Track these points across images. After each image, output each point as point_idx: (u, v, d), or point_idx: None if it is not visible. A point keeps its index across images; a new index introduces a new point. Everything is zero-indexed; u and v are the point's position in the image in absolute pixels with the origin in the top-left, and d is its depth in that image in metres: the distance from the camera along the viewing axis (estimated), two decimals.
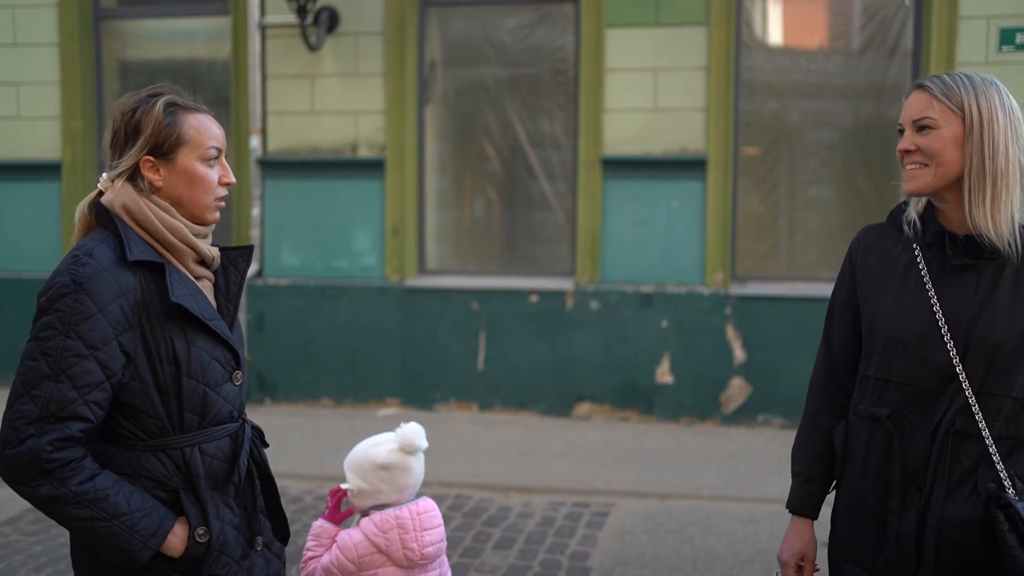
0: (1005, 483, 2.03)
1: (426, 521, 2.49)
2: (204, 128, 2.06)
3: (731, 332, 7.01)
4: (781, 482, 5.77)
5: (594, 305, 7.15)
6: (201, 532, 1.99)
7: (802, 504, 2.32)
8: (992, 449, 2.04)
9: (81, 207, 2.08)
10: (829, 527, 2.32)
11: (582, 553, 4.84)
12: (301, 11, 7.02)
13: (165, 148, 2.02)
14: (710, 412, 7.07)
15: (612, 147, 7.11)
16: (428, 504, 2.54)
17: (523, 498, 5.64)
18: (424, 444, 2.52)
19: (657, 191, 7.09)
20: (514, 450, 6.48)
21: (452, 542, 4.96)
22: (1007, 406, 2.05)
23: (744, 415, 7.03)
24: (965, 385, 2.06)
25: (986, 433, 2.04)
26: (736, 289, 7.07)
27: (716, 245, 7.03)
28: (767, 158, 7.30)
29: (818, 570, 2.34)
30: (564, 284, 7.27)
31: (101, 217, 2.03)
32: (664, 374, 7.10)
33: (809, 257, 7.32)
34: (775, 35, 7.50)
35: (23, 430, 1.86)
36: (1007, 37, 6.43)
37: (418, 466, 2.53)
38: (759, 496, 5.57)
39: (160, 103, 2.03)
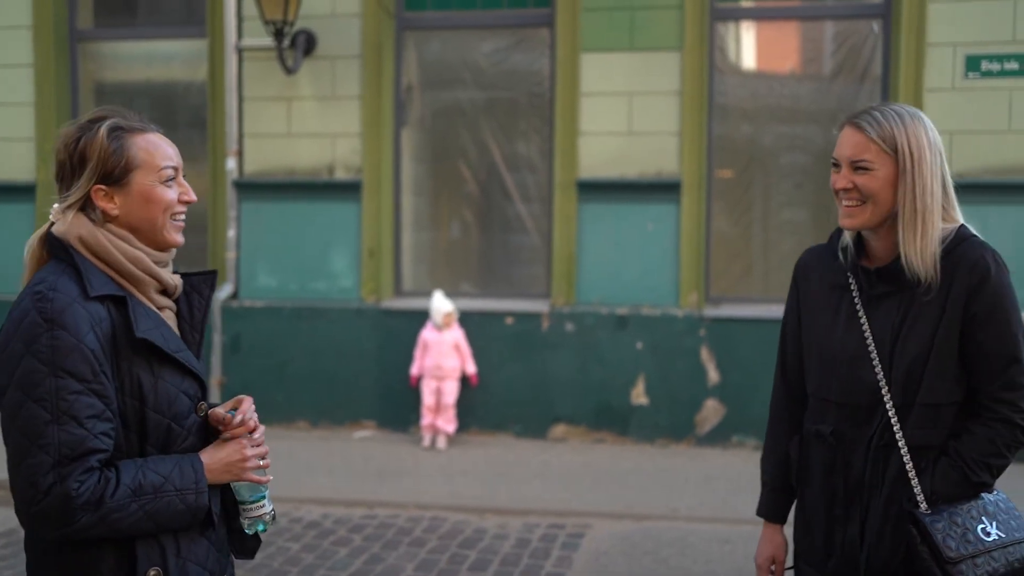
0: (918, 497, 2.18)
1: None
2: (156, 149, 1.96)
3: (705, 353, 7.06)
4: (756, 502, 5.79)
5: (569, 327, 7.18)
6: (153, 574, 1.90)
7: (770, 511, 2.53)
8: (909, 464, 2.20)
9: (31, 242, 1.99)
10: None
11: (558, 574, 4.84)
12: (278, 34, 7.05)
13: (116, 174, 1.93)
14: (685, 433, 7.10)
15: (587, 170, 7.16)
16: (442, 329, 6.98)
17: (499, 520, 5.64)
18: (439, 305, 6.96)
19: (632, 214, 7.14)
20: (490, 472, 6.48)
21: (427, 564, 4.95)
22: (922, 414, 2.20)
23: (719, 436, 7.06)
24: (888, 402, 2.21)
25: (902, 445, 2.20)
26: (710, 311, 7.12)
27: (690, 267, 7.09)
28: (740, 181, 7.38)
29: (790, 568, 2.51)
30: (539, 306, 7.30)
31: (55, 249, 1.95)
32: (639, 395, 7.13)
33: (783, 279, 7.38)
34: (748, 60, 7.60)
35: (42, 482, 1.78)
36: (973, 64, 6.54)
37: (435, 303, 6.91)
38: (734, 516, 5.59)
39: (103, 129, 1.93)
